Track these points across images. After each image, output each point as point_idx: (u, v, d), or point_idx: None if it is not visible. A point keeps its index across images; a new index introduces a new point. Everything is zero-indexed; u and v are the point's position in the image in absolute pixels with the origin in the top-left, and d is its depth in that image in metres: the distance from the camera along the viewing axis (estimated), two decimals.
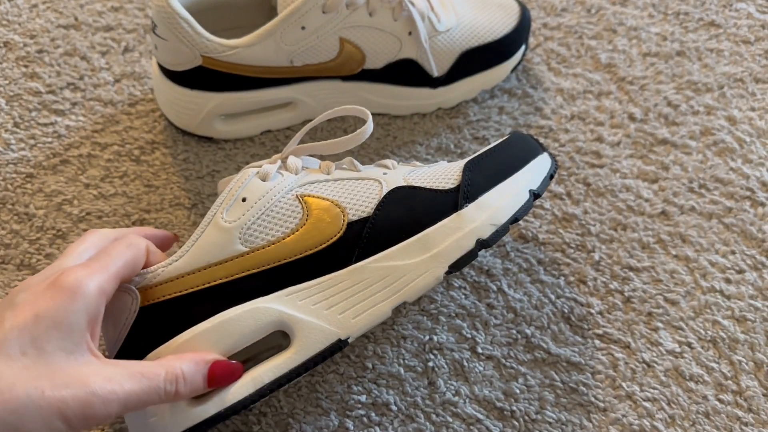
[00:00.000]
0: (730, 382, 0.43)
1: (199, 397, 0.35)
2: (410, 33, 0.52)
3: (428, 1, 0.52)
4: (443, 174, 0.41)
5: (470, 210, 0.39)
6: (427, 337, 0.45)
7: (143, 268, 0.36)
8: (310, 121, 0.55)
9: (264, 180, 0.38)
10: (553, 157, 0.44)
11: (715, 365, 0.44)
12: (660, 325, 0.45)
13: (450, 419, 0.42)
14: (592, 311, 0.46)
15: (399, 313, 0.45)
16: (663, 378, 0.43)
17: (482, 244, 0.38)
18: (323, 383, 0.43)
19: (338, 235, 0.37)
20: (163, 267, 0.36)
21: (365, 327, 0.37)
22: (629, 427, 0.41)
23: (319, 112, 0.55)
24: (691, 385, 0.43)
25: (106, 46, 0.60)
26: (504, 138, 0.44)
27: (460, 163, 0.41)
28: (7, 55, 0.59)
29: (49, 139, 0.54)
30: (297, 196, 0.38)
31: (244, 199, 0.38)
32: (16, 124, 0.54)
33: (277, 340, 0.37)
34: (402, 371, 0.43)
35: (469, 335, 0.45)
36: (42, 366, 0.29)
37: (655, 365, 0.44)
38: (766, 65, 0.60)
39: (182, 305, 0.36)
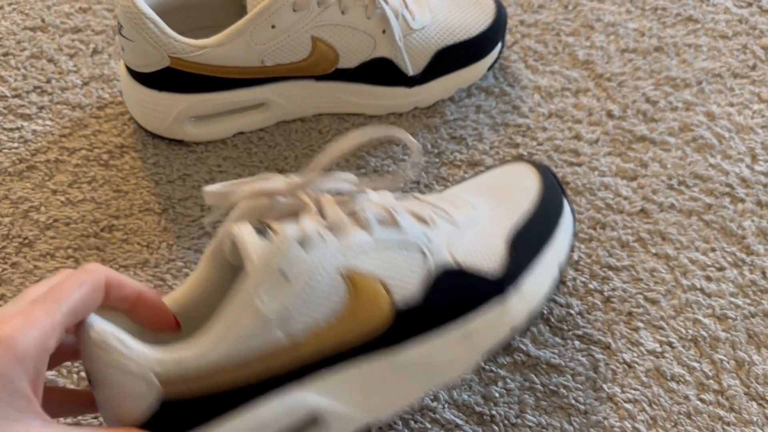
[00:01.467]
0: (711, 381, 0.43)
1: None
2: (384, 31, 0.51)
3: None
4: (489, 247, 0.40)
5: (514, 302, 0.39)
6: None
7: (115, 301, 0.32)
8: (287, 122, 0.54)
9: (304, 245, 0.33)
10: (571, 205, 0.45)
11: (696, 364, 0.43)
12: (640, 324, 0.45)
13: (429, 425, 0.41)
14: (572, 312, 0.45)
15: None
16: (644, 378, 0.43)
17: (516, 330, 0.40)
18: None
19: (385, 327, 0.35)
20: (186, 350, 0.31)
21: (394, 413, 0.38)
22: (611, 430, 0.41)
23: (292, 112, 0.54)
24: (673, 385, 0.42)
25: (74, 48, 0.58)
26: (539, 188, 0.43)
27: (504, 232, 0.41)
28: None
29: (15, 145, 0.52)
30: (341, 275, 0.34)
31: (283, 274, 0.32)
32: None
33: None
34: None
35: None
36: None
37: (636, 366, 0.43)
38: (743, 60, 0.59)
39: (214, 403, 0.32)
